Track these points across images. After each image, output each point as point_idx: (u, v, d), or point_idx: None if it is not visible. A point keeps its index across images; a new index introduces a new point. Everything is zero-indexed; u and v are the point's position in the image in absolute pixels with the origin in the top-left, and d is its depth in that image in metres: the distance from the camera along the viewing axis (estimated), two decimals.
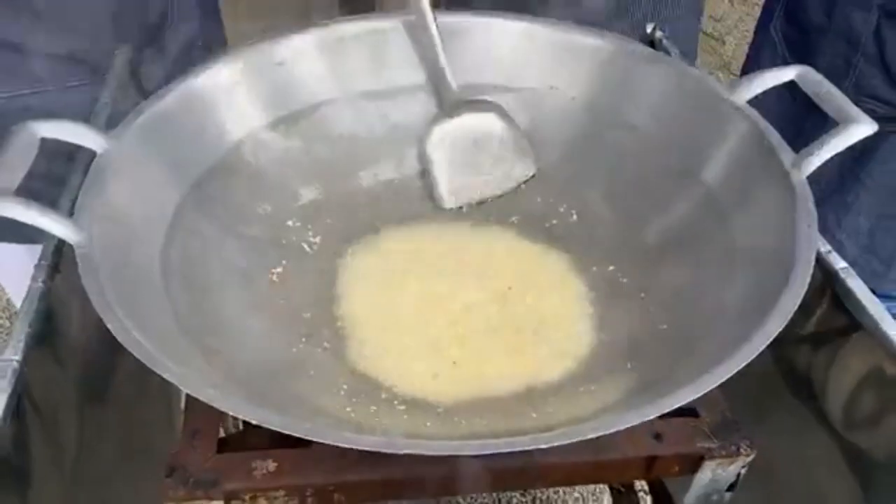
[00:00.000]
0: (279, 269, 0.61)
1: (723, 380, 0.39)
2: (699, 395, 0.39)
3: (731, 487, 0.52)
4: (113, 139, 0.54)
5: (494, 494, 1.21)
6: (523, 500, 1.16)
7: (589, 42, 0.67)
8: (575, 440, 0.37)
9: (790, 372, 0.58)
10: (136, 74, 0.74)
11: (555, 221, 0.65)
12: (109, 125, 0.58)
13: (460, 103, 0.66)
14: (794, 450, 0.58)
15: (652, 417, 0.39)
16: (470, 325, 0.53)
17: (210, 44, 0.89)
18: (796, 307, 0.43)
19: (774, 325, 0.43)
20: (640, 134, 0.64)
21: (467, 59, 0.68)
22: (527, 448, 0.36)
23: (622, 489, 0.79)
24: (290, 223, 0.64)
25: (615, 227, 0.63)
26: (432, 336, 0.53)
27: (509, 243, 0.57)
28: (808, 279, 0.44)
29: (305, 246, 0.63)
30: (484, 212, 0.62)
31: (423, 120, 0.68)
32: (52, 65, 0.77)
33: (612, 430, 0.38)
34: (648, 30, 0.76)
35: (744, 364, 0.40)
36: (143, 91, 0.72)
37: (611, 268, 0.61)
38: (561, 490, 1.19)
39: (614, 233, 0.62)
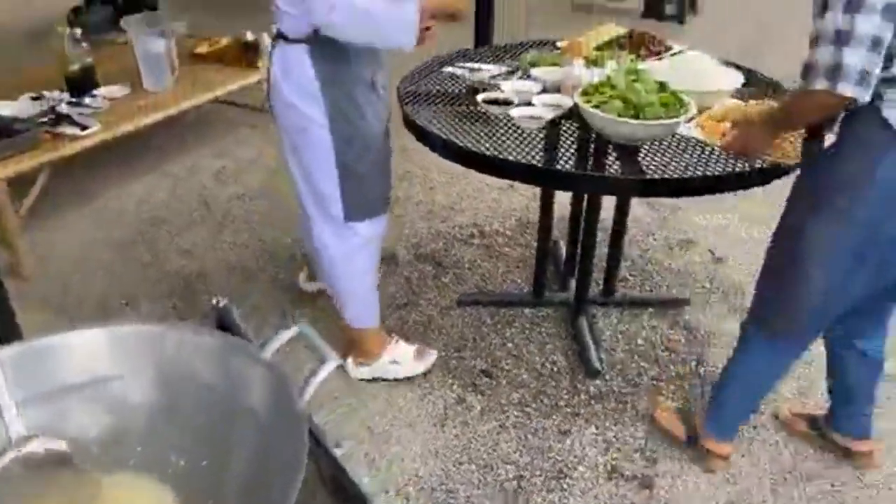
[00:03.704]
0: None
1: None
2: None
3: None
4: None
5: None
6: None
7: (151, 331, 0.94)
8: None
9: None
10: None
11: (169, 471, 0.90)
12: None
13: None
14: None
15: None
16: None
17: None
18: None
19: None
20: (213, 386, 0.92)
21: (42, 370, 0.90)
22: None
23: None
24: None
25: (208, 467, 0.89)
26: None
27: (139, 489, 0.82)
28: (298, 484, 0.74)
29: None
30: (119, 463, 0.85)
31: None
32: None
33: None
34: (222, 304, 1.06)
35: None
36: None
37: (210, 502, 0.87)
38: None
39: (208, 472, 0.88)
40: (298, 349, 0.94)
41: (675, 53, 2.29)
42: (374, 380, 2.16)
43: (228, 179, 3.38)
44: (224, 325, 1.05)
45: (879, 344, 1.80)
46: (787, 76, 2.37)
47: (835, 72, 1.32)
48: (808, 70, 1.36)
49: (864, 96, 1.33)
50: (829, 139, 1.47)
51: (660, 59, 2.23)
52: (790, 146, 1.69)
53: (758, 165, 1.71)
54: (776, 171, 1.73)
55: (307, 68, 1.78)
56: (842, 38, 1.30)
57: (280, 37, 1.83)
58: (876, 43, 1.30)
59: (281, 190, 3.24)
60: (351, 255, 2.03)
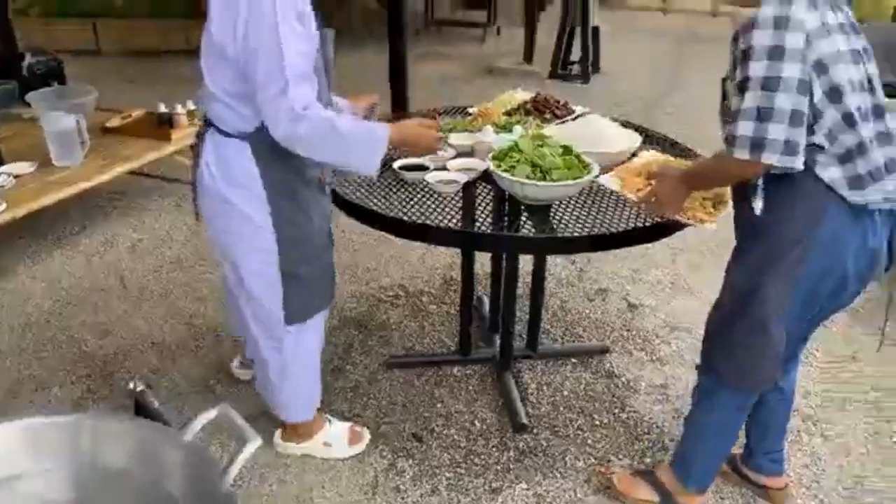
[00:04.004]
0: None
1: None
2: None
3: None
4: None
5: None
6: None
7: (65, 422, 0.93)
8: None
9: None
10: None
11: None
12: None
13: None
14: None
15: None
16: None
17: None
18: None
19: None
20: (130, 475, 0.91)
21: None
22: None
23: None
24: None
25: None
26: None
27: None
28: None
29: None
30: None
31: None
32: None
33: None
34: (139, 388, 1.04)
35: None
36: None
37: None
38: None
39: None
40: (224, 423, 0.94)
41: (577, 116, 2.42)
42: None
43: (145, 253, 3.31)
44: (142, 409, 1.04)
45: (794, 377, 1.91)
46: (681, 133, 2.55)
47: (758, 145, 1.40)
48: (731, 141, 1.44)
49: (796, 164, 1.42)
50: (757, 204, 1.54)
51: (564, 122, 2.36)
52: (701, 210, 1.79)
53: (658, 220, 1.82)
54: (676, 226, 1.84)
55: (249, 166, 1.63)
56: (762, 115, 1.39)
57: (212, 126, 1.67)
58: (797, 116, 1.39)
59: (199, 262, 3.20)
60: (289, 361, 1.90)
